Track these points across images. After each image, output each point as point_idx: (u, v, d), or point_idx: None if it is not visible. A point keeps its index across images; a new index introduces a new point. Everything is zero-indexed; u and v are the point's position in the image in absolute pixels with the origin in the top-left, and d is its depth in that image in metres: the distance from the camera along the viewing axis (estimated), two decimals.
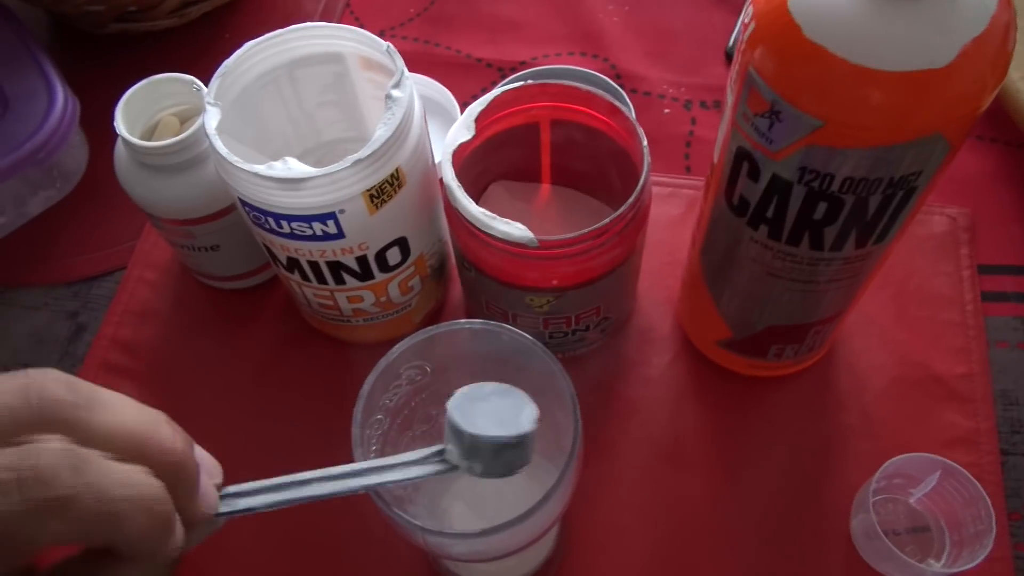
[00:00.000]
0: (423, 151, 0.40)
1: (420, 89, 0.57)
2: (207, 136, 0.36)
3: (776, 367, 0.45)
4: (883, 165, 0.29)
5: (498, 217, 0.38)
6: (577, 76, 0.57)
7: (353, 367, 0.47)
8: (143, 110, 0.44)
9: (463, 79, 0.59)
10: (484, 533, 0.29)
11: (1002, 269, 0.49)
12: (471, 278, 0.43)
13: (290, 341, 0.49)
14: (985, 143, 0.54)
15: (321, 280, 0.41)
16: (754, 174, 0.33)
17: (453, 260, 0.49)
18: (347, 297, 0.42)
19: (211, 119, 0.37)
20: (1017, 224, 0.51)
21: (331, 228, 0.37)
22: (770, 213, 0.34)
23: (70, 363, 0.49)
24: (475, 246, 0.40)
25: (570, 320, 0.43)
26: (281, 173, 0.35)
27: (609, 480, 0.44)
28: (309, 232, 0.37)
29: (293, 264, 0.40)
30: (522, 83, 0.42)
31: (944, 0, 0.26)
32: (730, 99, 0.33)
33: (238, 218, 0.45)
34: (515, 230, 0.37)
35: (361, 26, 0.62)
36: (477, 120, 0.41)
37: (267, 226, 0.38)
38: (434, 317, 0.49)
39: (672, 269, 0.49)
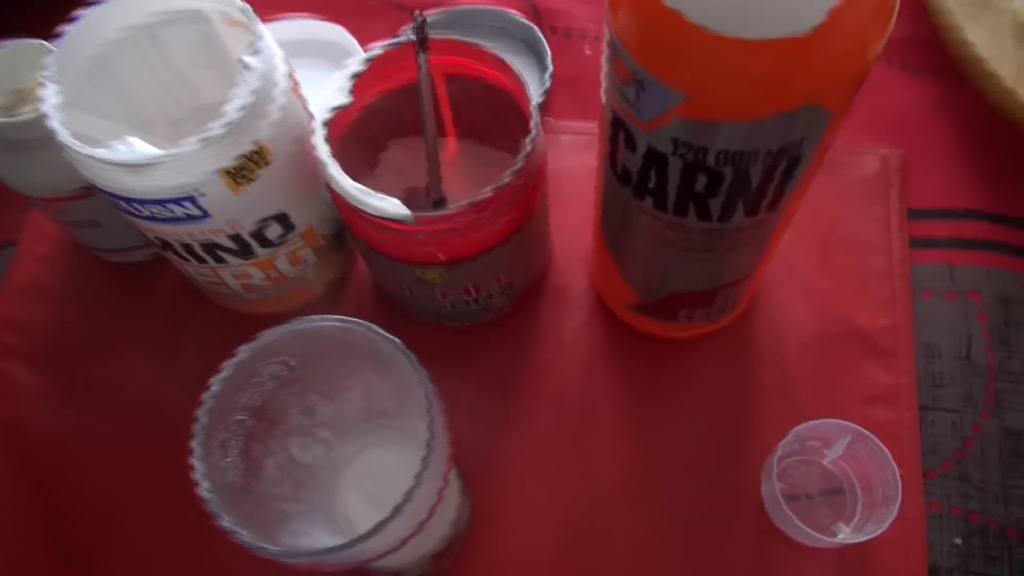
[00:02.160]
0: (293, 119, 0.37)
1: (321, 34, 0.53)
2: (45, 116, 0.33)
3: (689, 329, 0.43)
4: (758, 137, 0.27)
5: (372, 193, 0.35)
6: (491, 17, 0.53)
7: (251, 336, 0.46)
8: (1, 79, 0.40)
9: (370, 22, 0.55)
10: (344, 546, 0.27)
11: (933, 214, 0.46)
12: (362, 250, 0.40)
13: (189, 315, 0.47)
14: (923, 75, 0.51)
15: (199, 259, 0.39)
16: (630, 143, 0.30)
17: None
18: (232, 275, 0.40)
19: (49, 97, 0.34)
20: (953, 165, 0.48)
21: (192, 210, 0.35)
22: (651, 184, 0.31)
23: None
24: (355, 221, 0.37)
25: (469, 290, 0.41)
26: (123, 157, 0.32)
27: (519, 449, 0.42)
28: (169, 215, 0.35)
29: (165, 245, 0.38)
30: (404, 38, 0.39)
31: None
32: (604, 61, 0.30)
33: None
34: (390, 206, 0.35)
35: None
36: (356, 83, 0.38)
37: (124, 209, 0.35)
38: (339, 285, 0.47)
39: (588, 224, 0.46)
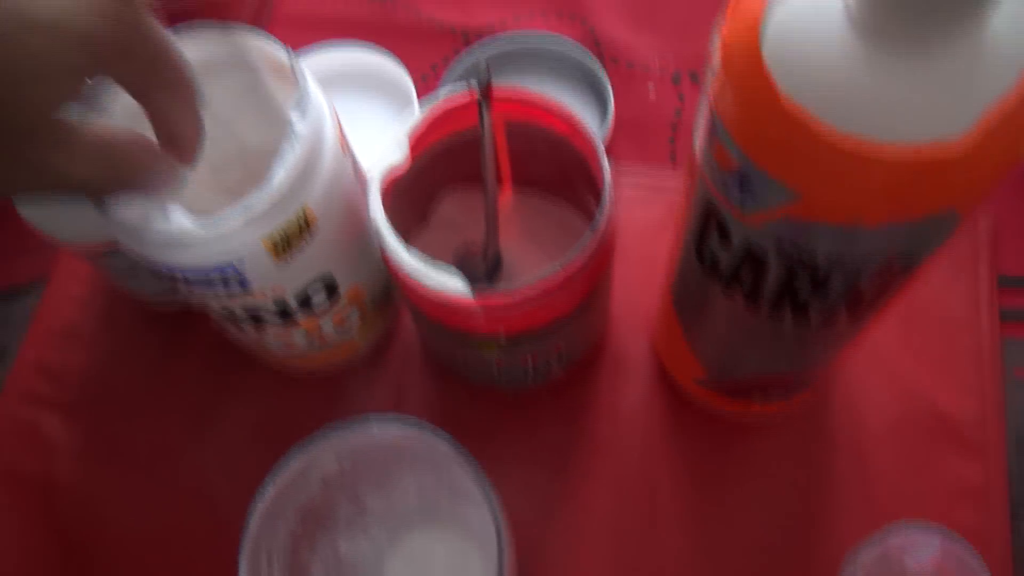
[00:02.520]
0: (340, 180, 0.34)
1: (370, 63, 0.50)
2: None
3: (762, 407, 0.39)
4: (878, 242, 0.23)
5: (431, 264, 0.32)
6: (549, 42, 0.50)
7: (294, 397, 0.43)
8: None
9: (422, 46, 0.52)
10: None
11: None
12: (415, 316, 0.38)
13: (228, 369, 0.44)
14: None
15: (240, 323, 0.36)
16: (724, 232, 0.27)
17: None
18: (274, 337, 0.37)
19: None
20: None
21: (232, 278, 0.32)
22: (745, 277, 0.28)
23: None
24: (411, 290, 0.34)
25: (526, 359, 0.38)
26: (159, 233, 0.29)
27: (572, 531, 0.39)
28: (210, 285, 0.32)
29: (205, 307, 0.35)
30: (462, 86, 0.36)
31: (958, 52, 0.20)
32: (696, 140, 0.27)
33: None
34: (450, 281, 0.32)
35: None
36: (411, 138, 0.35)
37: (165, 276, 0.33)
38: (383, 342, 0.44)
39: (651, 283, 0.43)
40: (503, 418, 0.42)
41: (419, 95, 0.48)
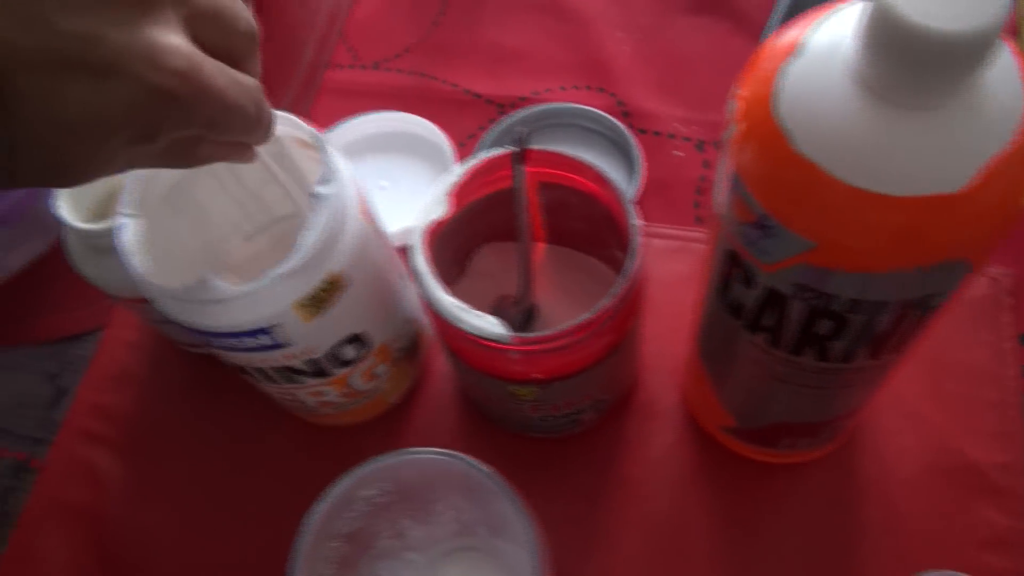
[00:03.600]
0: (367, 245, 0.36)
1: (412, 129, 0.53)
2: (123, 254, 0.33)
3: (789, 456, 0.40)
4: (892, 287, 0.25)
5: (470, 310, 0.34)
6: (580, 115, 0.53)
7: (326, 449, 0.45)
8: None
9: (460, 116, 0.55)
10: None
11: None
12: (453, 363, 0.40)
13: (268, 414, 0.46)
14: None
15: (273, 381, 0.38)
16: (746, 281, 0.29)
17: (427, 336, 0.46)
18: (307, 393, 0.39)
19: (127, 233, 0.34)
20: None
21: (266, 341, 0.34)
22: (768, 322, 0.29)
23: (50, 429, 0.48)
24: (450, 336, 0.36)
25: (559, 406, 0.39)
26: (197, 295, 0.32)
27: (604, 574, 0.40)
28: (243, 346, 0.34)
29: (240, 368, 0.38)
30: (499, 150, 0.38)
31: (957, 109, 0.22)
32: (716, 194, 0.29)
33: None
34: (487, 325, 0.34)
35: (355, 57, 0.59)
36: (451, 194, 0.38)
37: (200, 339, 0.35)
38: (411, 395, 0.46)
39: (679, 334, 0.45)
40: (535, 464, 0.43)
41: (457, 160, 0.51)
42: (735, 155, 0.26)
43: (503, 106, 0.55)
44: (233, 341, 0.33)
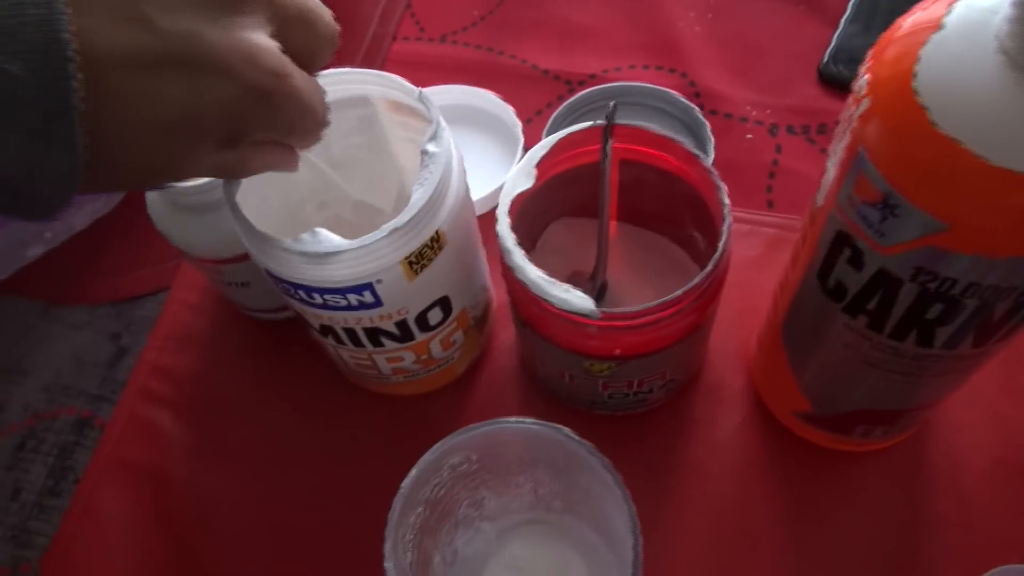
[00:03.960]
0: (464, 207, 0.36)
1: (479, 103, 0.53)
2: (231, 207, 0.33)
3: (861, 444, 0.40)
4: (1016, 274, 0.25)
5: (557, 283, 0.34)
6: (651, 95, 0.52)
7: (391, 418, 0.45)
8: None
9: (527, 91, 0.55)
10: None
11: None
12: (526, 335, 0.39)
13: (331, 381, 0.46)
14: None
15: (358, 344, 0.38)
16: (856, 262, 0.28)
17: (495, 306, 0.46)
18: (386, 359, 0.39)
19: (234, 189, 0.34)
20: None
21: (367, 298, 0.34)
22: (872, 305, 0.29)
23: (111, 388, 0.48)
24: (531, 308, 0.36)
25: (632, 383, 0.39)
26: (311, 247, 0.32)
27: (668, 554, 0.40)
28: (344, 303, 0.34)
29: (327, 330, 0.37)
30: (589, 124, 0.38)
31: None
32: (830, 173, 0.28)
33: None
34: (575, 299, 0.34)
35: (422, 30, 0.58)
36: (538, 165, 0.37)
37: (298, 297, 0.35)
38: (475, 368, 0.46)
39: (748, 318, 0.45)
40: (599, 441, 0.43)
41: (524, 138, 0.50)
42: (862, 131, 0.25)
43: (572, 83, 0.55)
44: (335, 298, 0.33)
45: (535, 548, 0.37)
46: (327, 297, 0.33)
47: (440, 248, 0.34)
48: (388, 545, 0.27)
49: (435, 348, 0.40)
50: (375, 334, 0.36)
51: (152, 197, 0.41)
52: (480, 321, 0.43)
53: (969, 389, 0.41)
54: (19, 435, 0.47)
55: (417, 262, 0.34)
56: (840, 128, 0.27)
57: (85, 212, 0.53)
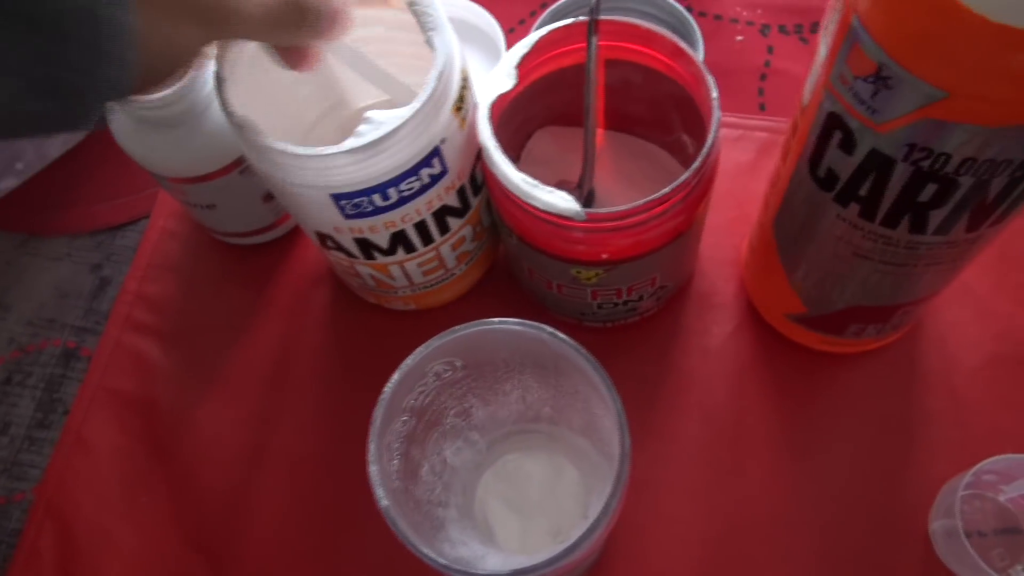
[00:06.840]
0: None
1: (458, 13, 0.51)
2: (230, 111, 0.32)
3: (854, 344, 0.40)
4: (1014, 145, 0.24)
5: (540, 185, 0.33)
6: None
7: (387, 331, 0.44)
8: None
9: (507, 3, 0.53)
10: (516, 574, 0.25)
11: None
12: (513, 244, 0.38)
13: (319, 300, 0.46)
14: None
15: (427, 241, 0.37)
16: (847, 145, 0.27)
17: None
18: (451, 245, 0.39)
19: (229, 92, 0.32)
20: None
21: (436, 167, 0.34)
22: (864, 191, 0.28)
23: (94, 319, 0.47)
24: (516, 213, 0.35)
25: (622, 291, 0.38)
26: (373, 133, 0.30)
27: (661, 462, 0.40)
28: (417, 185, 0.34)
29: (397, 240, 0.36)
30: (571, 20, 0.36)
31: None
32: (823, 50, 0.27)
33: (234, 178, 0.41)
34: (560, 201, 0.33)
35: None
36: (520, 66, 0.36)
37: (371, 208, 0.34)
38: (477, 287, 0.45)
39: (739, 226, 0.44)
40: (592, 352, 0.43)
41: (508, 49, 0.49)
42: (856, 1, 0.24)
43: None
44: (409, 183, 0.33)
45: (527, 457, 0.37)
46: (402, 187, 0.33)
47: (469, 86, 0.34)
48: (372, 449, 0.26)
49: (446, 252, 0.39)
50: (442, 217, 0.36)
51: (117, 118, 0.40)
52: (490, 232, 0.42)
53: (962, 288, 0.41)
54: (5, 369, 0.47)
55: (461, 106, 0.34)
56: (834, 1, 0.26)
57: (58, 140, 0.51)
